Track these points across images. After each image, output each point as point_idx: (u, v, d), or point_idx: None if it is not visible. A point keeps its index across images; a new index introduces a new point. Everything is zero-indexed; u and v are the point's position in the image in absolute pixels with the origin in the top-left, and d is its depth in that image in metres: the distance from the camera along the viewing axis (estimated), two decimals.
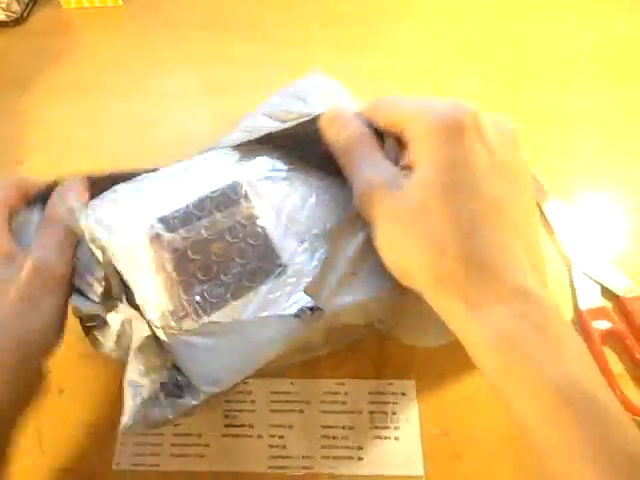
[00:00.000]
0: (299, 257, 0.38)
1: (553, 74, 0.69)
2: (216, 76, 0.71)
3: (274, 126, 0.42)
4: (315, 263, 0.38)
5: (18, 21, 0.80)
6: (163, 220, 0.36)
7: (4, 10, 0.78)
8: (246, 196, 0.38)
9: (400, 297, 0.37)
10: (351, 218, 0.36)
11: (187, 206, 0.37)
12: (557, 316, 0.31)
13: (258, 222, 0.38)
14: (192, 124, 0.65)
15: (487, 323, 0.30)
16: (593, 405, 0.28)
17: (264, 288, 0.37)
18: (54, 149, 0.64)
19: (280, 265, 0.37)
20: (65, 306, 0.38)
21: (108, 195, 0.39)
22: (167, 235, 0.36)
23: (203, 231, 0.37)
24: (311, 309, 0.35)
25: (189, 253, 0.36)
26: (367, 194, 0.34)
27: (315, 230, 0.39)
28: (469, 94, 0.67)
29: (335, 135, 0.38)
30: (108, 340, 0.37)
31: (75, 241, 0.38)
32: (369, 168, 0.35)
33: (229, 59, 0.73)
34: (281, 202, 0.39)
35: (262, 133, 0.41)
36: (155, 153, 0.58)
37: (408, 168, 0.34)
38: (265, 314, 0.36)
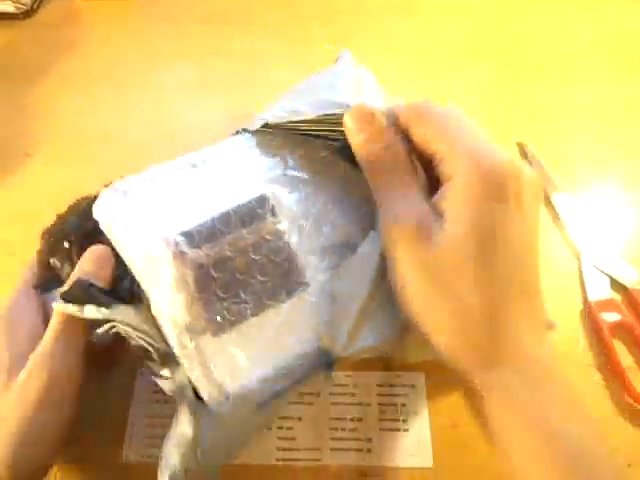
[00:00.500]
0: (321, 275, 0.36)
1: (555, 68, 0.69)
2: (218, 70, 0.71)
3: (298, 115, 0.40)
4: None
5: (28, 13, 0.80)
6: (187, 235, 0.35)
7: (14, 2, 0.77)
8: (273, 211, 0.37)
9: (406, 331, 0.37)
10: (369, 243, 0.36)
11: (212, 220, 0.36)
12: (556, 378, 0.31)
13: (284, 238, 0.37)
14: (195, 117, 0.65)
15: (496, 386, 0.31)
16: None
17: (285, 306, 0.35)
18: (63, 141, 0.64)
19: (302, 283, 0.36)
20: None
21: (119, 184, 0.38)
22: (191, 252, 0.35)
23: (227, 247, 0.35)
24: (328, 365, 0.35)
25: (211, 271, 0.35)
26: (395, 232, 0.32)
27: (337, 242, 0.37)
28: (470, 89, 0.67)
29: (363, 146, 0.34)
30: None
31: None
32: (401, 201, 0.33)
33: (230, 53, 0.72)
34: (304, 214, 0.38)
35: (282, 120, 0.40)
36: (165, 145, 0.58)
37: (441, 212, 0.31)
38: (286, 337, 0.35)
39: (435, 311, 0.31)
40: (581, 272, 0.51)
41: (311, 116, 0.38)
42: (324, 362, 0.35)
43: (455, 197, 0.31)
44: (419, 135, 0.33)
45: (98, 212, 0.37)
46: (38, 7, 0.81)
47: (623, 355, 0.47)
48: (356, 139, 0.35)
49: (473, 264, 0.30)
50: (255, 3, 0.79)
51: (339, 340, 0.35)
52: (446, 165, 0.32)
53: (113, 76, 0.71)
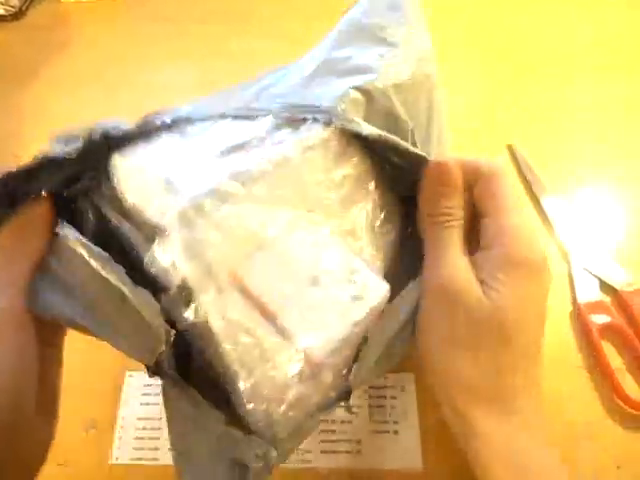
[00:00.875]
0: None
1: (553, 67, 0.69)
2: (214, 70, 0.71)
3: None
4: None
5: (17, 15, 0.80)
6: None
7: (3, 4, 0.78)
8: None
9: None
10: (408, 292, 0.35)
11: None
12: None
13: None
14: None
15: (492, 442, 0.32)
16: None
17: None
18: None
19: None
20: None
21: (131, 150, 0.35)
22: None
23: None
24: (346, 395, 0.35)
25: None
26: (439, 291, 0.34)
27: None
28: (470, 88, 0.67)
29: (434, 200, 0.35)
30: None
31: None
32: (452, 261, 0.34)
33: (227, 53, 0.72)
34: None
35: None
36: None
37: (480, 280, 0.33)
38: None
39: (458, 369, 0.33)
40: (570, 274, 0.52)
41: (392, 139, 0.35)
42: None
43: (501, 273, 0.33)
44: (478, 197, 0.35)
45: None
46: (27, 9, 0.81)
47: (612, 357, 0.47)
48: (428, 194, 0.36)
49: (505, 338, 0.32)
50: (252, 3, 0.80)
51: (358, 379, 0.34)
52: (488, 230, 0.34)
53: (103, 77, 0.71)
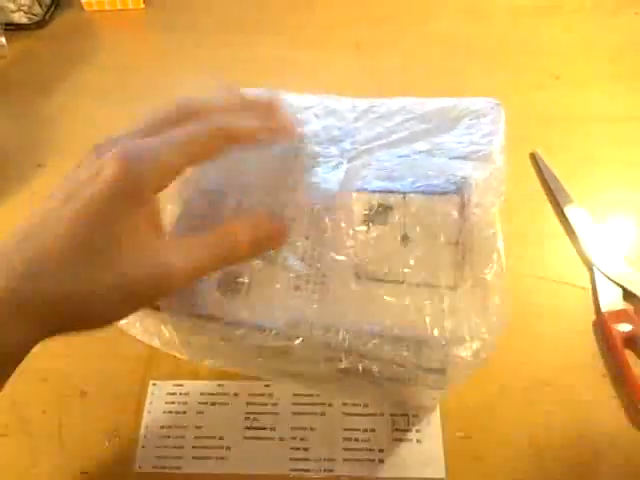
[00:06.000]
0: None
1: (573, 77, 0.69)
2: (237, 79, 0.71)
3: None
4: None
5: (40, 24, 0.81)
6: None
7: (26, 13, 0.78)
8: None
9: None
10: None
11: None
12: None
13: None
14: None
15: None
16: None
17: None
18: (75, 152, 0.64)
19: None
20: None
21: None
22: None
23: None
24: None
25: None
26: None
27: None
28: (489, 95, 0.67)
29: None
30: None
31: None
32: None
33: (250, 62, 0.73)
34: None
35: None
36: None
37: None
38: None
39: None
40: (594, 283, 0.51)
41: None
42: None
43: None
44: None
45: None
46: (50, 18, 0.82)
47: (636, 365, 0.47)
48: None
49: None
50: (275, 12, 0.80)
51: None
52: None
53: (125, 86, 0.72)
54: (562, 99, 0.67)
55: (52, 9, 0.82)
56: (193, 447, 0.45)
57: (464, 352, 0.33)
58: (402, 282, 0.34)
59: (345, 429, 0.45)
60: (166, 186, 0.32)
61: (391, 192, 0.36)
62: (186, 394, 0.47)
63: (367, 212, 0.36)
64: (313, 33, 0.76)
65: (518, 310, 0.49)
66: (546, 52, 0.72)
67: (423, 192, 0.35)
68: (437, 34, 0.75)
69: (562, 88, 0.68)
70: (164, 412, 0.47)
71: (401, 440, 0.45)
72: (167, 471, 0.44)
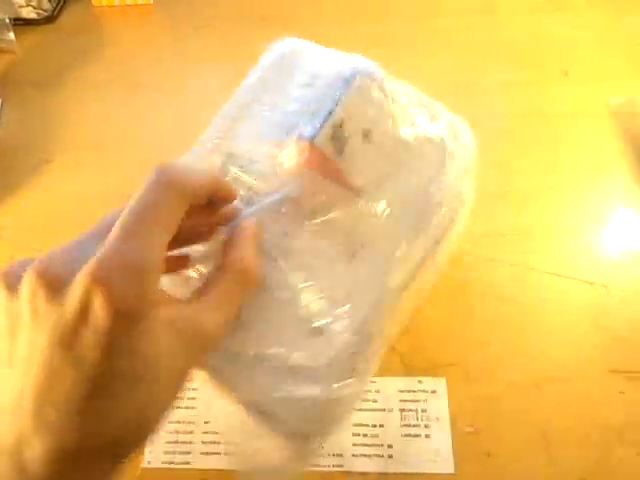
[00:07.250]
0: None
1: (583, 73, 0.68)
2: (247, 73, 0.71)
3: None
4: None
5: (49, 19, 0.81)
6: None
7: (35, 8, 0.79)
8: None
9: None
10: None
11: None
12: None
13: None
14: None
15: None
16: None
17: None
18: (82, 147, 0.65)
19: None
20: None
21: None
22: None
23: None
24: None
25: None
26: None
27: None
28: (500, 91, 0.66)
29: None
30: None
31: None
32: None
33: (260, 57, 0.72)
34: None
35: None
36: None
37: None
38: None
39: None
40: None
41: None
42: None
43: None
44: None
45: None
46: (59, 13, 0.82)
47: None
48: None
49: None
50: (287, 5, 0.80)
51: None
52: None
53: (134, 81, 0.72)
54: (571, 94, 0.66)
55: (61, 4, 0.82)
56: (202, 442, 0.45)
57: None
58: None
59: (354, 424, 0.45)
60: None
61: None
62: (194, 389, 0.48)
63: None
64: (320, 28, 0.76)
65: (527, 305, 0.49)
66: (555, 48, 0.71)
67: None
68: (445, 30, 0.75)
69: (572, 83, 0.67)
70: (173, 407, 0.47)
71: (410, 435, 0.45)
72: (176, 466, 0.45)
